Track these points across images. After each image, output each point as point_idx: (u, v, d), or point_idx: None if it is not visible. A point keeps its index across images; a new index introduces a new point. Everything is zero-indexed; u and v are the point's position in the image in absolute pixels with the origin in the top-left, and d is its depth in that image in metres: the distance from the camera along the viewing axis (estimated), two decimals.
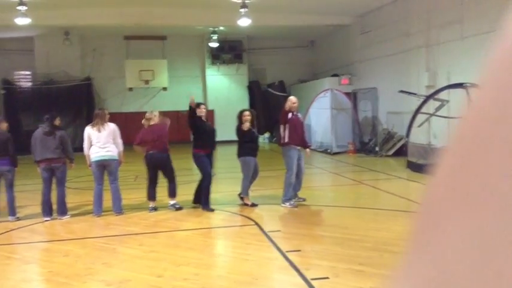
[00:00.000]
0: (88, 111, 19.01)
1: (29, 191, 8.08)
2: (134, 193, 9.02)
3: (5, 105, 19.70)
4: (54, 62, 20.36)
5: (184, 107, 23.49)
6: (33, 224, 7.13)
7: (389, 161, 13.70)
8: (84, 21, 17.76)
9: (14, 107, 19.57)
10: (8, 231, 6.78)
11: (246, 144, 7.78)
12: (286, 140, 7.69)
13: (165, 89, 21.93)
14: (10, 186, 7.21)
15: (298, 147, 7.80)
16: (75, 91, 20.22)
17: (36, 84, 20.45)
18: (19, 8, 13.78)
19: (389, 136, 14.97)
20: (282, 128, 7.82)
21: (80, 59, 21.23)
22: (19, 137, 15.46)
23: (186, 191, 8.61)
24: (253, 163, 7.80)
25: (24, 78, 20.90)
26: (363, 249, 5.26)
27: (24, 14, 14.15)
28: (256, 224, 6.72)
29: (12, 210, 7.27)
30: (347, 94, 17.16)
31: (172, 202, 7.75)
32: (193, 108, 7.54)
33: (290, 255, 5.15)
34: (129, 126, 20.82)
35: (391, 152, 14.46)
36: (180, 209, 7.66)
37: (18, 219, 7.30)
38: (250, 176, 7.83)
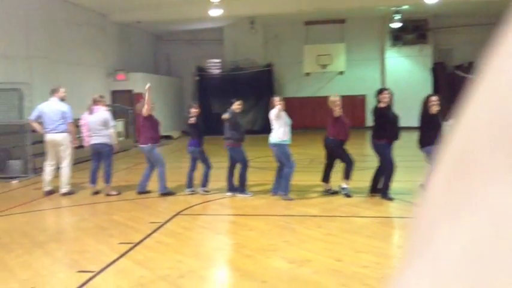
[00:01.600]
0: (268, 97, 20.04)
1: (217, 168, 8.84)
2: (309, 176, 9.18)
3: (198, 90, 22.01)
4: (241, 50, 21.91)
5: (361, 91, 23.07)
6: (221, 199, 7.82)
7: None
8: (269, 10, 18.65)
9: (205, 92, 21.72)
10: (201, 203, 7.56)
11: (430, 133, 7.19)
12: None
13: (341, 73, 21.80)
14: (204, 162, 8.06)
15: None
16: (257, 77, 21.47)
17: (225, 71, 22.32)
18: (212, 0, 15.16)
19: None
20: None
21: (263, 46, 22.42)
22: (209, 120, 17.24)
23: (361, 178, 8.44)
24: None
25: (214, 66, 22.99)
26: None
27: (217, 6, 15.49)
28: None
29: (203, 182, 8.11)
30: None
31: (343, 185, 7.65)
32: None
33: None
34: (304, 111, 21.43)
35: None
36: (348, 196, 7.52)
37: (207, 192, 8.09)
38: None
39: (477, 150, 0.25)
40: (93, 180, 8.42)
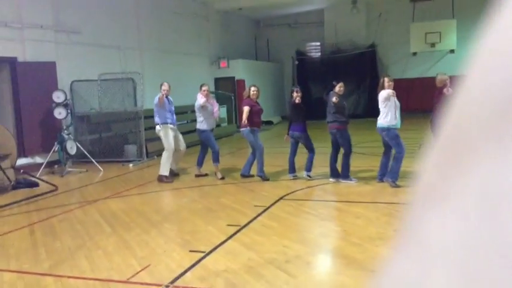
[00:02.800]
0: (371, 79, 19.32)
1: (319, 153, 8.72)
2: (418, 162, 8.67)
3: (297, 75, 21.89)
4: (342, 31, 21.33)
5: None
6: (324, 184, 7.71)
7: None
8: None
9: (305, 76, 21.53)
10: (304, 189, 7.52)
11: None
12: None
13: (452, 51, 20.28)
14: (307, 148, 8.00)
15: None
16: (360, 59, 20.75)
17: (325, 54, 21.92)
18: None
19: None
20: None
21: (366, 27, 21.60)
22: (309, 105, 17.06)
23: None
24: None
25: (314, 49, 22.68)
26: None
27: None
28: None
29: (308, 167, 8.06)
30: None
31: None
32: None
33: None
34: (412, 93, 20.32)
35: None
36: None
37: (310, 177, 8.01)
38: None
39: (467, 131, 0.25)
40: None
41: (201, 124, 8.66)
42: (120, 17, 14.06)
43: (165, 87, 8.66)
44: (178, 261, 4.48)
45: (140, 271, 4.29)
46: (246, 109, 8.07)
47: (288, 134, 8.13)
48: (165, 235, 5.42)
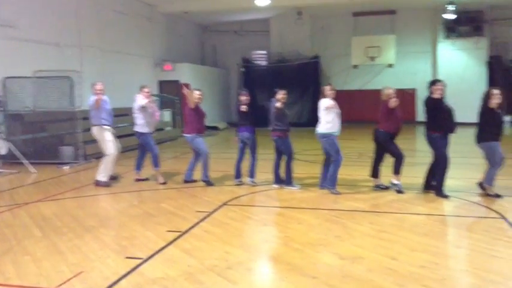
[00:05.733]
0: (314, 89, 19.68)
1: (263, 159, 8.70)
2: (357, 170, 8.90)
3: (243, 82, 21.92)
4: (287, 41, 21.64)
5: (411, 85, 22.39)
6: (267, 190, 7.69)
7: None
8: (317, 0, 18.29)
9: (251, 84, 21.57)
10: (248, 194, 7.46)
11: (489, 128, 6.76)
12: None
13: (390, 65, 21.15)
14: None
15: None
16: (304, 69, 21.14)
17: (271, 63, 22.12)
18: None
19: None
20: None
21: (310, 38, 22.04)
22: (254, 112, 17.08)
23: (411, 173, 8.09)
24: (498, 148, 6.78)
25: (260, 57, 22.84)
26: None
27: None
28: (503, 217, 5.83)
29: (251, 173, 8.01)
30: None
31: (394, 181, 7.35)
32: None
33: None
34: (352, 104, 20.92)
35: None
36: (400, 192, 7.21)
37: (254, 183, 7.97)
38: (497, 164, 6.83)
39: None
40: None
41: (141, 127, 8.37)
42: (59, 12, 13.46)
43: (99, 87, 8.21)
44: (113, 268, 4.26)
45: (71, 278, 4.03)
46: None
47: (237, 136, 8.05)
48: (100, 241, 5.15)
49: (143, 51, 17.97)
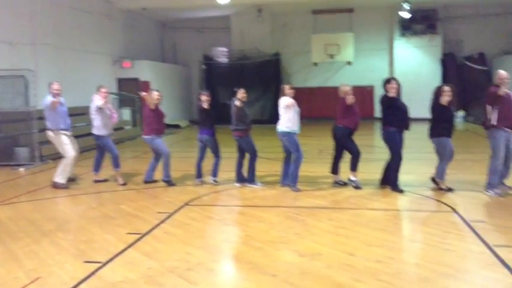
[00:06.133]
0: (276, 86, 19.80)
1: (226, 158, 8.72)
2: (317, 167, 9.06)
3: (205, 79, 21.83)
4: (248, 39, 21.67)
5: (369, 81, 22.86)
6: (230, 189, 7.73)
7: None
8: None
9: (212, 81, 21.52)
10: (209, 194, 7.47)
11: (441, 124, 7.04)
12: (494, 122, 6.72)
13: (349, 63, 21.55)
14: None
15: (508, 130, 6.79)
16: (265, 67, 21.23)
17: (232, 60, 22.10)
18: None
19: None
20: (489, 108, 6.81)
21: (270, 36, 22.15)
22: (216, 109, 17.03)
23: (368, 169, 8.33)
24: (449, 144, 7.08)
25: (221, 55, 22.78)
26: None
27: None
28: (455, 211, 6.10)
29: (214, 172, 8.02)
30: None
31: (352, 177, 7.55)
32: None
33: (499, 251, 4.52)
34: (313, 100, 21.22)
35: None
36: (357, 188, 7.42)
37: (217, 182, 7.99)
38: (446, 159, 7.13)
39: None
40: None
41: (98, 129, 8.20)
42: (12, 9, 12.98)
43: (56, 86, 7.99)
44: (72, 273, 4.19)
45: (28, 284, 3.94)
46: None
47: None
48: (57, 245, 5.04)
49: (101, 49, 17.58)
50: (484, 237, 4.95)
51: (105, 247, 4.90)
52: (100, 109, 8.12)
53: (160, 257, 4.57)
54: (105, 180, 8.49)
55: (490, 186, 6.89)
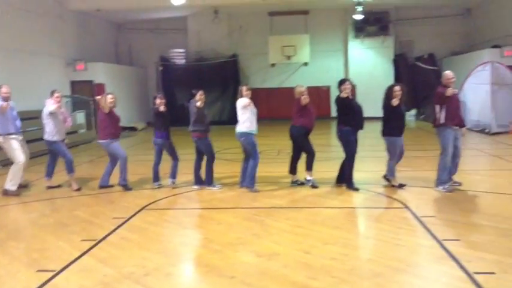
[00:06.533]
0: (234, 87, 19.86)
1: (183, 160, 8.67)
2: (276, 167, 9.16)
3: (161, 81, 21.57)
4: (205, 40, 21.59)
5: (325, 82, 23.19)
6: (188, 192, 7.69)
7: None
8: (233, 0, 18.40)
9: (170, 82, 21.30)
10: (167, 197, 7.40)
11: (392, 123, 7.29)
12: (443, 121, 7.02)
13: (306, 64, 21.86)
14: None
15: (456, 127, 7.13)
16: (223, 68, 21.22)
17: (189, 62, 21.95)
18: None
19: None
20: (437, 108, 7.11)
21: (227, 37, 22.16)
22: (173, 111, 16.90)
23: (325, 168, 8.50)
24: (399, 143, 7.33)
25: (178, 56, 22.58)
26: None
27: None
28: (406, 207, 6.33)
29: (172, 174, 7.98)
30: (511, 68, 15.28)
31: (308, 177, 7.69)
32: None
33: (448, 245, 4.73)
34: (271, 101, 21.40)
35: None
36: (315, 187, 7.57)
37: (175, 184, 7.93)
38: (396, 156, 7.39)
39: None
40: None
41: (51, 134, 7.96)
42: None
43: (5, 89, 7.71)
44: (24, 283, 4.07)
45: None
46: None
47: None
48: (8, 254, 4.87)
49: (54, 51, 17.04)
50: (434, 232, 5.16)
51: (59, 255, 4.78)
52: (53, 114, 7.90)
53: (116, 263, 4.50)
54: (58, 186, 8.26)
55: (439, 182, 7.18)
